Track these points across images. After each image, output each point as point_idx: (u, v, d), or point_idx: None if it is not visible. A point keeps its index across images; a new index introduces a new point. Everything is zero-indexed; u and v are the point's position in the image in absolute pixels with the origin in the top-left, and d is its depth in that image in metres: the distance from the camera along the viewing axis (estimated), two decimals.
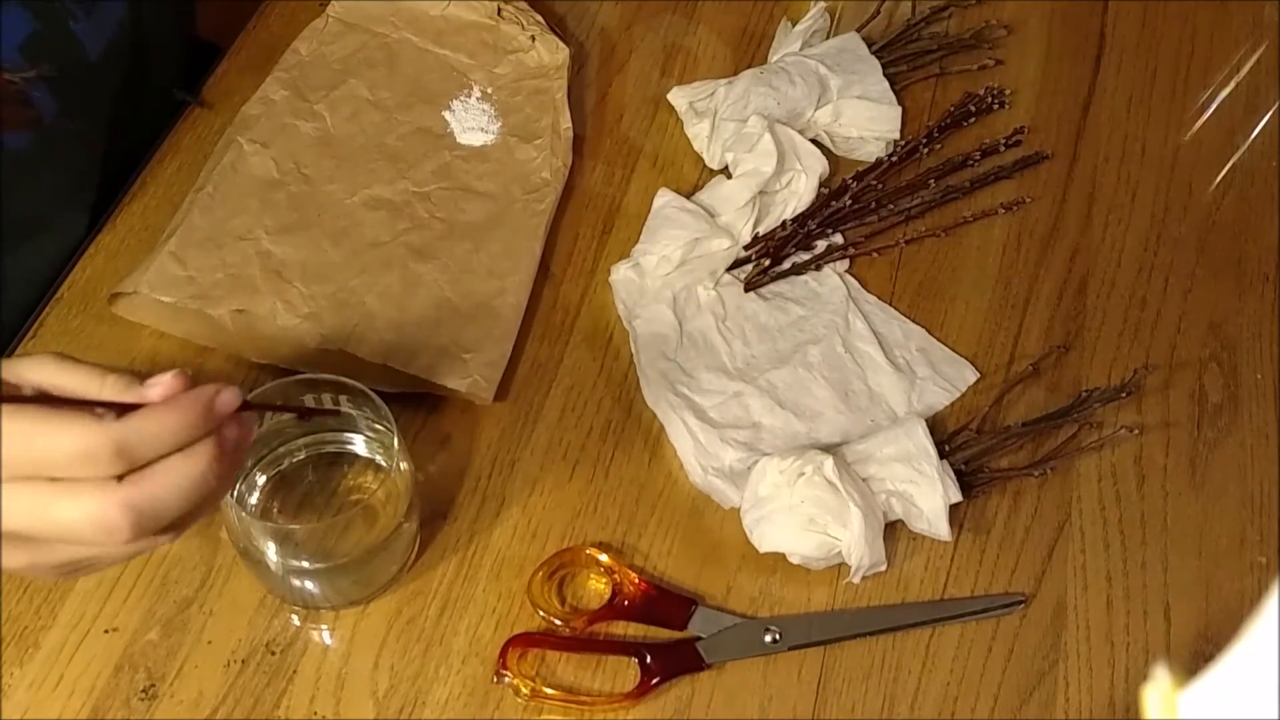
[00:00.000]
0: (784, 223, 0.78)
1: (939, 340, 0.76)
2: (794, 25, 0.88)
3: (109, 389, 0.45)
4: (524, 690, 0.60)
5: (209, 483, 0.45)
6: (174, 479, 0.44)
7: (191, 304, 0.68)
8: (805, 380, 0.73)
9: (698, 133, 0.83)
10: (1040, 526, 0.69)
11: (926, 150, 0.83)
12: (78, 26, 0.69)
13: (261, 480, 0.64)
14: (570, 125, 0.80)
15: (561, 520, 0.67)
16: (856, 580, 0.65)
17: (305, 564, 0.59)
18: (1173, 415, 0.75)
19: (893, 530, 0.67)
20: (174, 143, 0.79)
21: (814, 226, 0.78)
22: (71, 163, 0.73)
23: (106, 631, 0.61)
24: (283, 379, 0.60)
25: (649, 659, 0.62)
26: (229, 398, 0.46)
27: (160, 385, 0.45)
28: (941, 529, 0.66)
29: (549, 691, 0.61)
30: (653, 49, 0.89)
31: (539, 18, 0.84)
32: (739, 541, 0.66)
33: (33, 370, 0.45)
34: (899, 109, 0.83)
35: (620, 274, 0.75)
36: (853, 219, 0.80)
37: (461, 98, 0.81)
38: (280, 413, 0.60)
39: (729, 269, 0.77)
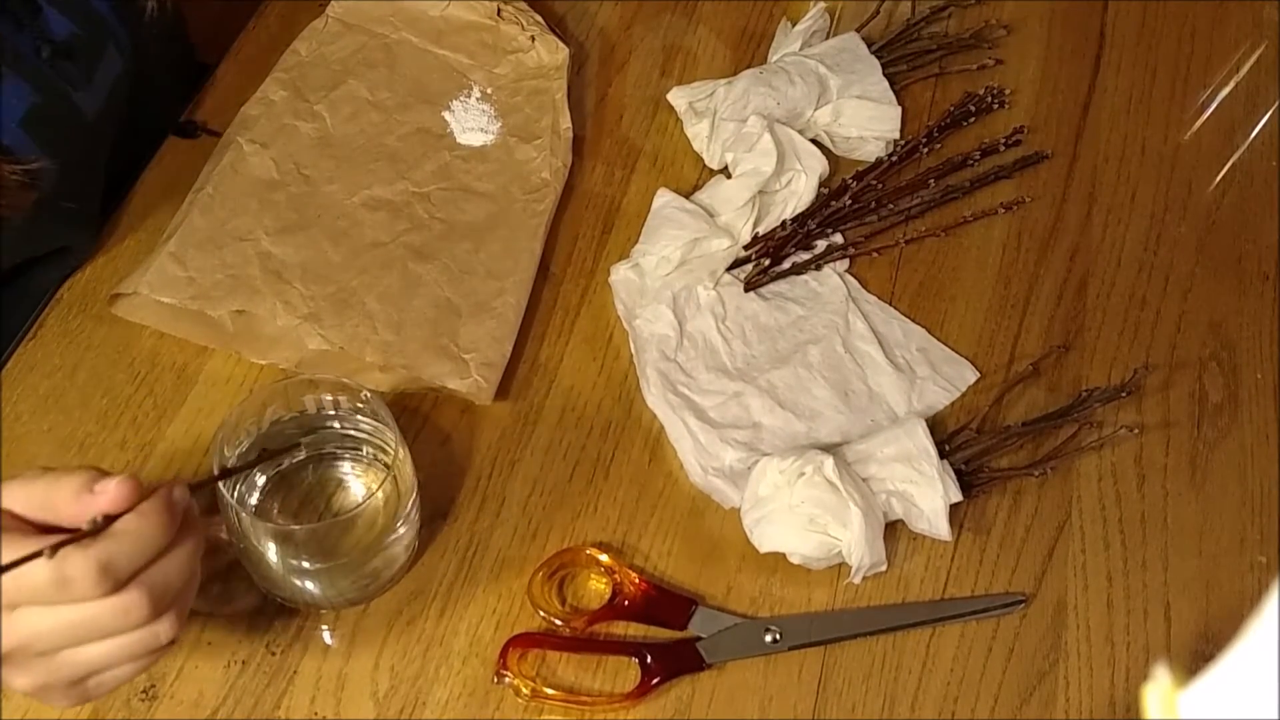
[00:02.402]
0: (784, 223, 0.78)
1: (939, 340, 0.76)
2: (794, 25, 0.88)
3: (66, 499, 0.46)
4: (524, 691, 0.60)
5: (196, 557, 0.49)
6: (178, 559, 0.48)
7: (191, 305, 0.68)
8: (805, 380, 0.73)
9: (697, 133, 0.83)
10: (1040, 526, 0.69)
11: (926, 150, 0.83)
12: (77, 95, 0.68)
13: (261, 480, 0.64)
14: (570, 125, 0.80)
15: (561, 520, 0.67)
16: (857, 581, 0.65)
17: (305, 564, 0.59)
18: (1173, 415, 0.75)
19: (893, 530, 0.67)
20: (174, 143, 0.79)
21: (814, 226, 0.78)
22: (71, 212, 0.71)
23: None
24: (283, 379, 0.60)
25: (649, 659, 0.62)
26: (181, 493, 0.49)
27: (108, 495, 0.46)
28: (942, 529, 0.66)
29: (549, 692, 0.61)
30: (652, 49, 0.89)
31: (539, 18, 0.84)
32: (739, 541, 0.66)
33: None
34: (899, 109, 0.83)
35: (620, 274, 0.75)
36: (853, 219, 0.80)
37: (461, 98, 0.81)
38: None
39: (729, 269, 0.77)
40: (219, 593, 0.62)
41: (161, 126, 0.79)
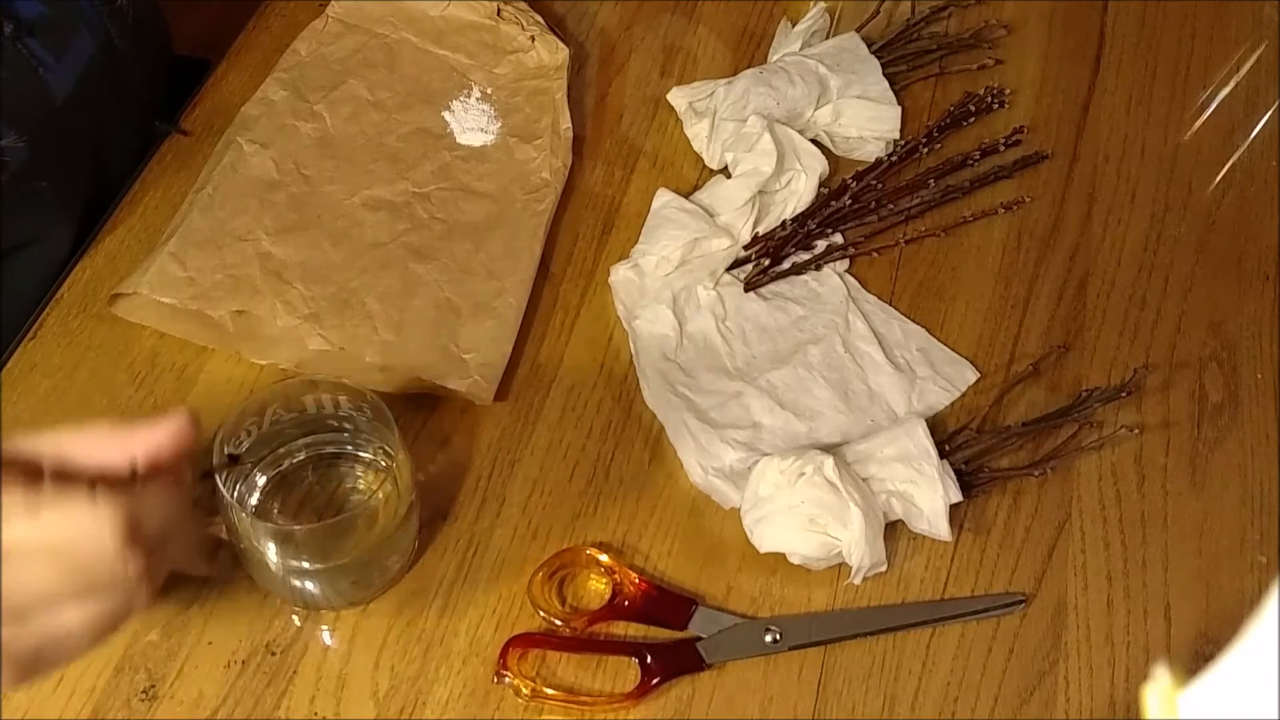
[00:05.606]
0: (784, 222, 0.78)
1: (939, 340, 0.76)
2: (794, 25, 0.88)
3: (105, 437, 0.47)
4: (524, 691, 0.60)
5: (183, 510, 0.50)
6: (158, 498, 0.48)
7: (191, 305, 0.68)
8: (805, 380, 0.73)
9: (697, 133, 0.83)
10: (1040, 526, 0.69)
11: (926, 150, 0.83)
12: (47, 74, 0.68)
13: (261, 480, 0.64)
14: (570, 125, 0.80)
15: (561, 520, 0.67)
16: (857, 581, 0.65)
17: (305, 564, 0.59)
18: (1173, 415, 0.75)
19: (893, 530, 0.67)
20: (173, 143, 0.79)
21: (814, 226, 0.78)
22: (48, 196, 0.71)
23: None
24: (283, 379, 0.60)
25: (649, 659, 0.62)
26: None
27: (173, 426, 0.48)
28: (942, 529, 0.66)
29: (549, 692, 0.61)
30: (653, 49, 0.89)
31: (539, 18, 0.84)
32: (739, 541, 0.66)
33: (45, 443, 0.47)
34: (899, 109, 0.83)
35: (620, 274, 0.75)
36: (853, 219, 0.80)
37: (461, 98, 0.81)
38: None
39: (729, 269, 0.77)
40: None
41: (140, 120, 0.79)
